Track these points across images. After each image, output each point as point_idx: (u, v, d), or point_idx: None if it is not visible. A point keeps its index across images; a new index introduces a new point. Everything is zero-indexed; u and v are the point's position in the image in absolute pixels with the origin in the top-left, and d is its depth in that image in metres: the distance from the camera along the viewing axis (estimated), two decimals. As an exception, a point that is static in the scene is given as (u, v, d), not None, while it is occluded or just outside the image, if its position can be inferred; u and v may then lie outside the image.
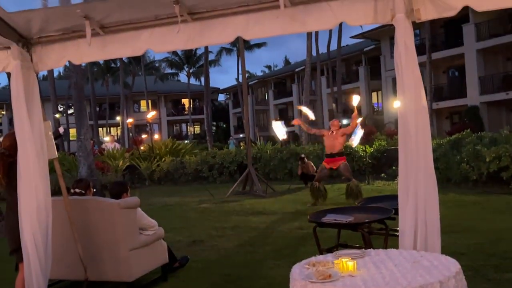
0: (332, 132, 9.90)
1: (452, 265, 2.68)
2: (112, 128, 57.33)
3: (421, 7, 3.34)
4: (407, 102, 3.29)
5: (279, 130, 12.09)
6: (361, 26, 23.43)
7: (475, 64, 29.34)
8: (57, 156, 4.48)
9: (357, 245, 4.98)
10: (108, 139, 24.29)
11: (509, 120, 28.27)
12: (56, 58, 4.17)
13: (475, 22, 28.64)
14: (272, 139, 30.68)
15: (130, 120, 31.83)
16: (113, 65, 53.41)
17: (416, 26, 3.47)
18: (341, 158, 9.91)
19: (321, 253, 4.63)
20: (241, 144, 30.31)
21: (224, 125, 61.47)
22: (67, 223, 4.59)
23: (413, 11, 3.33)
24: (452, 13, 3.31)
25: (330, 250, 4.70)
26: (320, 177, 10.04)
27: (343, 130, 10.07)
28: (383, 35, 34.83)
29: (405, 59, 3.27)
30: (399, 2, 3.22)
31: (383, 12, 3.35)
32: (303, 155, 13.64)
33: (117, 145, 22.41)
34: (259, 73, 75.37)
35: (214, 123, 57.35)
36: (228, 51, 53.01)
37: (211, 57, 51.97)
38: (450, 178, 12.04)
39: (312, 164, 13.43)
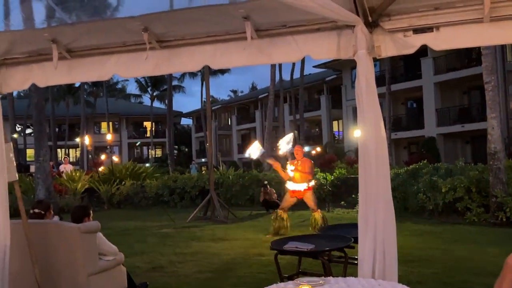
0: (298, 162, 9.65)
1: (408, 294, 2.77)
2: (71, 150, 56.26)
3: (381, 44, 3.50)
4: (367, 133, 3.40)
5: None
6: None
7: (433, 96, 30.26)
8: (17, 178, 4.40)
9: (317, 273, 5.03)
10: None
11: (464, 152, 29.15)
12: (20, 80, 4.14)
13: (433, 56, 29.63)
14: (235, 164, 30.73)
15: (87, 141, 31.34)
16: (74, 85, 52.60)
17: (377, 58, 3.62)
18: (307, 188, 9.65)
19: (281, 280, 4.66)
20: (203, 168, 30.25)
21: (186, 149, 61.13)
22: (25, 246, 4.48)
23: (374, 47, 3.48)
24: (411, 50, 3.49)
25: (290, 278, 4.74)
26: (285, 205, 9.88)
27: (308, 164, 9.69)
28: (344, 66, 35.63)
29: (366, 92, 3.39)
30: (361, 39, 3.35)
31: (345, 48, 3.48)
32: (266, 182, 13.72)
33: (70, 167, 22.02)
34: (225, 97, 75.59)
35: (176, 147, 56.94)
36: (192, 75, 53.03)
37: (176, 81, 51.99)
38: (408, 207, 12.31)
39: (274, 191, 13.50)
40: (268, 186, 13.49)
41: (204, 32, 3.71)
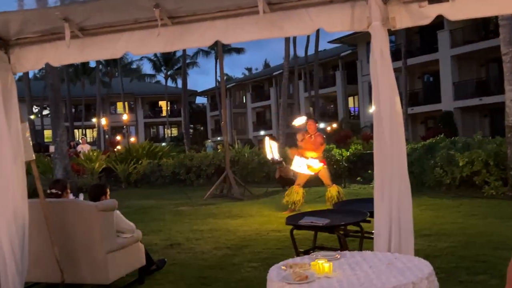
0: (310, 136, 9.69)
1: (425, 267, 2.76)
2: (88, 130, 56.74)
3: (396, 15, 3.43)
4: (382, 108, 3.36)
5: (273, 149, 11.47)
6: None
7: (450, 70, 29.84)
8: (34, 158, 4.45)
9: (334, 247, 5.04)
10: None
11: (482, 125, 28.80)
12: (34, 60, 4.16)
13: (450, 29, 29.14)
14: (250, 142, 30.79)
15: (104, 122, 31.62)
16: (89, 65, 52.83)
17: (392, 32, 3.57)
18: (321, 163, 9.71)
19: (298, 255, 4.68)
20: (219, 147, 30.34)
21: (202, 128, 61.32)
22: (43, 225, 4.56)
23: (389, 19, 3.42)
24: (426, 21, 3.42)
25: (307, 252, 4.76)
26: (300, 181, 9.91)
27: (319, 140, 9.68)
28: (359, 41, 35.21)
29: (381, 65, 3.35)
30: (375, 10, 3.29)
31: (359, 19, 3.43)
32: (281, 159, 13.69)
33: (87, 147, 22.22)
34: (240, 76, 75.38)
35: (192, 125, 57.13)
36: (206, 53, 52.88)
37: (189, 59, 51.88)
38: (424, 182, 12.22)
39: (290, 168, 13.47)
40: (284, 163, 13.46)
41: (216, 7, 3.67)
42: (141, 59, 58.43)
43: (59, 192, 5.16)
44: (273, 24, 3.61)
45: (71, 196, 5.52)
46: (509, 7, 3.50)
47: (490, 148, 11.19)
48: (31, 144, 4.40)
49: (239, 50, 52.70)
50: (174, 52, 48.61)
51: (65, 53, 4.05)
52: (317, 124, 9.96)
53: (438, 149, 12.73)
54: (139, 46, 3.94)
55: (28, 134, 4.32)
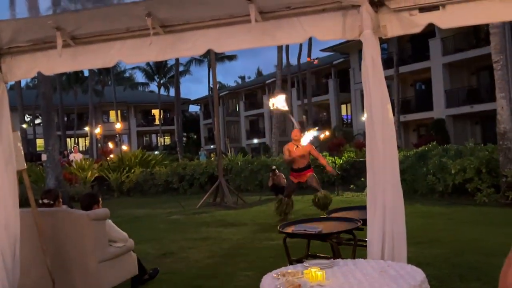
0: (297, 146, 9.63)
1: (418, 274, 2.76)
2: (80, 139, 56.53)
3: (387, 23, 3.45)
4: (374, 116, 3.37)
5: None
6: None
7: (441, 78, 29.99)
8: (25, 167, 4.43)
9: (326, 255, 5.04)
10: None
11: (473, 132, 28.93)
12: (26, 69, 4.15)
13: (441, 37, 29.30)
14: (243, 150, 30.77)
15: (99, 130, 31.52)
16: (81, 74, 52.70)
17: (384, 40, 3.58)
18: (308, 171, 9.64)
19: (291, 263, 4.67)
20: (212, 155, 30.32)
21: (195, 136, 61.22)
22: (35, 235, 4.53)
23: (380, 27, 3.44)
24: (417, 30, 3.44)
25: (299, 261, 4.75)
26: (289, 193, 9.88)
27: (310, 149, 9.59)
28: (352, 49, 35.35)
29: (372, 73, 3.36)
30: (367, 19, 3.31)
31: (351, 28, 3.45)
32: (274, 167, 13.70)
33: (80, 156, 22.13)
34: (233, 84, 75.43)
35: (185, 134, 57.03)
36: (199, 61, 52.91)
37: (182, 67, 51.92)
38: (417, 189, 12.27)
39: (283, 176, 13.46)
40: (277, 171, 13.46)
41: (208, 16, 3.68)
42: (134, 68, 58.38)
43: (51, 202, 5.13)
44: (265, 33, 3.62)
45: (63, 207, 5.48)
46: (499, 15, 3.52)
47: (482, 156, 11.25)
48: (23, 153, 4.37)
49: (231, 57, 52.77)
50: (166, 61, 48.58)
51: (57, 62, 4.03)
52: (302, 133, 9.90)
53: (431, 156, 12.79)
54: (132, 55, 3.94)
55: (19, 143, 4.29)
